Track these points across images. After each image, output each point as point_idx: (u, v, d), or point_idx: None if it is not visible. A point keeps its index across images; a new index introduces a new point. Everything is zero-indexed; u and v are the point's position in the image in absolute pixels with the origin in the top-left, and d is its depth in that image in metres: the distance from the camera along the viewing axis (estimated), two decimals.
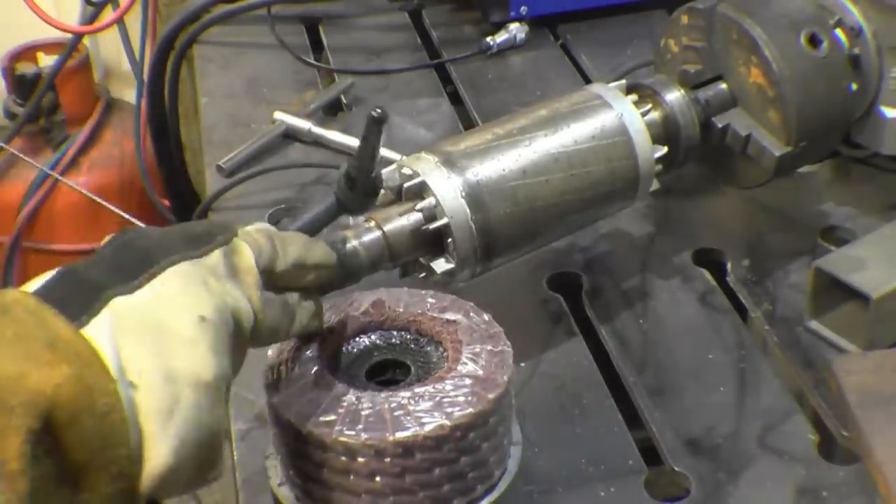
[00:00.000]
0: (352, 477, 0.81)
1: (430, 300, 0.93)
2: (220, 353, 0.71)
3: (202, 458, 0.70)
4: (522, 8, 1.60)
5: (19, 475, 0.60)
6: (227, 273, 0.75)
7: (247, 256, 0.78)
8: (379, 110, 0.84)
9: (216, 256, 0.75)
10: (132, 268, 0.71)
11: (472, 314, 0.91)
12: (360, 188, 0.90)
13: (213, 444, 0.71)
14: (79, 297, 0.68)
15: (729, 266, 1.17)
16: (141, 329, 0.68)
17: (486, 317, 0.91)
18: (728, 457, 0.95)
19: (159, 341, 0.68)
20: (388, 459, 0.80)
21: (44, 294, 0.67)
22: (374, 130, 0.86)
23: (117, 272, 0.70)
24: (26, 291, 0.68)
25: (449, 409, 0.81)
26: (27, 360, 0.63)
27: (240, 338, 0.75)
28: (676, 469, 0.95)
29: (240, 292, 0.76)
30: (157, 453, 0.67)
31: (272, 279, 0.80)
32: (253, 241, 0.79)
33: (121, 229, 0.76)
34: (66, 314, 0.66)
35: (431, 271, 0.95)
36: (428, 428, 0.80)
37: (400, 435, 0.79)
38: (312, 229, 0.86)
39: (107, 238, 0.76)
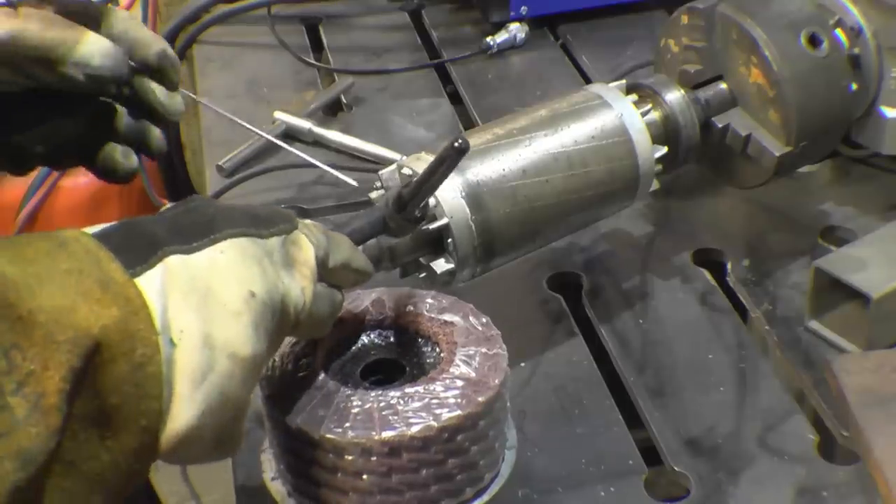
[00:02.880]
0: (339, 475, 0.81)
1: (429, 301, 0.93)
2: (260, 331, 0.72)
3: (223, 429, 0.71)
4: (522, 8, 1.60)
5: (54, 410, 0.61)
6: (282, 261, 0.76)
7: (307, 249, 0.78)
8: (461, 140, 0.79)
9: (275, 242, 0.76)
10: (194, 231, 0.72)
11: (470, 316, 0.91)
12: (409, 213, 0.88)
13: (235, 417, 0.72)
14: (137, 248, 0.68)
15: (729, 266, 1.17)
16: (190, 290, 0.69)
17: (484, 319, 0.91)
18: (728, 457, 0.95)
19: (205, 306, 0.69)
20: (374, 458, 0.80)
21: (102, 238, 0.68)
22: (452, 160, 0.81)
23: (179, 232, 0.71)
24: (85, 231, 0.68)
25: (437, 411, 0.81)
26: (78, 295, 0.64)
27: (284, 324, 0.76)
28: (676, 469, 0.95)
29: (293, 282, 0.76)
30: (183, 415, 0.67)
31: (322, 273, 0.80)
32: (312, 234, 0.80)
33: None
34: (122, 261, 0.67)
35: (431, 271, 0.95)
36: (415, 428, 0.80)
37: (386, 434, 0.80)
38: (354, 241, 0.86)
39: (168, 205, 0.76)
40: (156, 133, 1.00)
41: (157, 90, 0.96)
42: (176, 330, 0.67)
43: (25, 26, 0.85)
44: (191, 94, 1.00)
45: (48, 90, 0.91)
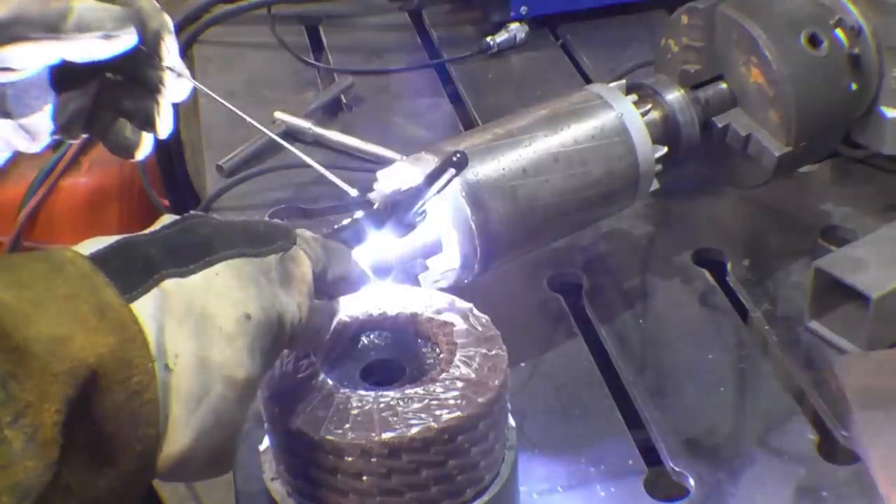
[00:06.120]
0: (339, 476, 0.81)
1: (429, 301, 0.92)
2: (256, 353, 0.72)
3: (217, 451, 0.71)
4: (522, 8, 1.60)
5: (51, 443, 0.61)
6: (279, 278, 0.75)
7: (304, 266, 0.77)
8: (460, 155, 0.79)
9: (272, 260, 0.75)
10: (190, 252, 0.71)
11: (470, 317, 0.91)
12: (407, 218, 0.88)
13: (229, 438, 0.72)
14: (133, 272, 0.68)
15: (729, 266, 1.17)
16: (185, 314, 0.68)
17: (484, 319, 0.91)
18: (728, 457, 0.95)
19: (201, 330, 0.69)
20: (374, 459, 0.80)
21: (99, 261, 0.67)
22: (450, 174, 0.82)
23: (175, 254, 0.70)
24: (81, 253, 0.68)
25: (437, 412, 0.81)
26: (75, 323, 0.63)
27: (280, 342, 0.76)
28: (676, 469, 0.95)
29: (289, 299, 0.76)
30: (178, 438, 0.67)
31: (319, 286, 0.80)
32: (311, 249, 0.79)
33: (185, 216, 0.76)
34: (118, 286, 0.66)
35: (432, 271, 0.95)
36: (415, 430, 0.80)
37: (386, 435, 0.79)
38: (352, 244, 0.86)
39: (165, 216, 0.76)
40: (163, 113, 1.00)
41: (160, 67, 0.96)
42: (171, 355, 0.67)
43: (23, 2, 0.84)
44: (199, 85, 1.00)
45: (58, 68, 0.90)
